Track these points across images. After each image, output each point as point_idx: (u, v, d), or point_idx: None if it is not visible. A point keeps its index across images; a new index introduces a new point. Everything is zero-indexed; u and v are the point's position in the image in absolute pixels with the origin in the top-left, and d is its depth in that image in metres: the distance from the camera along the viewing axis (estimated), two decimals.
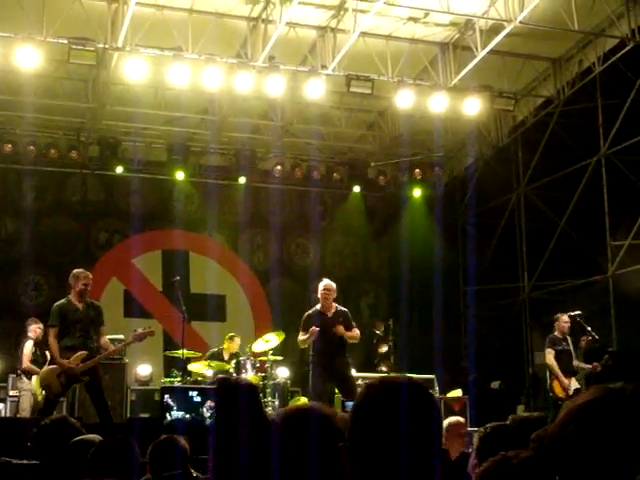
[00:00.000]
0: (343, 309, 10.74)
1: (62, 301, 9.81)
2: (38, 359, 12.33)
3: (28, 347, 12.34)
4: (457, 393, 13.90)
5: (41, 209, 16.31)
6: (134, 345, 10.87)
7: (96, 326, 9.81)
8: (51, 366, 9.70)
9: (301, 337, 10.34)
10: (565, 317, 11.96)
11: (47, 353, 11.97)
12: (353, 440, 2.06)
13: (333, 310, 10.56)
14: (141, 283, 16.58)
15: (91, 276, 10.05)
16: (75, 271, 9.97)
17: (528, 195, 16.28)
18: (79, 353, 9.43)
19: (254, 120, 16.28)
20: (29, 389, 12.17)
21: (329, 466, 2.12)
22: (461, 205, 17.69)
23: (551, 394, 11.81)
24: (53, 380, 9.45)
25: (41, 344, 12.34)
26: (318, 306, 10.60)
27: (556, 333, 11.93)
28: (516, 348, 14.20)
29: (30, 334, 12.44)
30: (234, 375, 12.32)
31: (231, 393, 2.07)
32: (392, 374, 13.95)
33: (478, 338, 15.87)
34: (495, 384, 15.71)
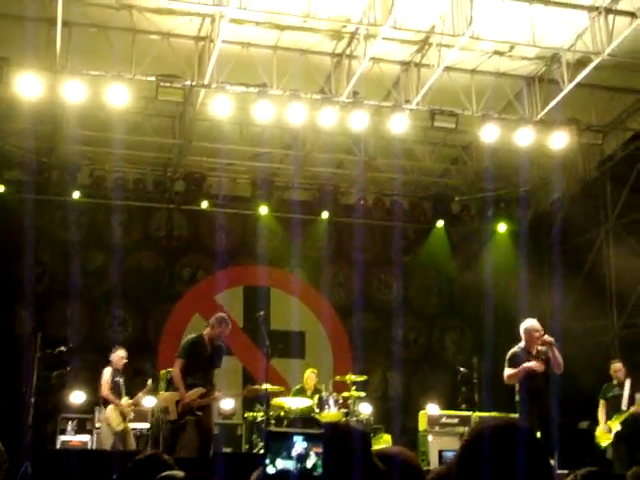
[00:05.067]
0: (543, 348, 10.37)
1: (195, 337, 10.36)
2: (118, 388, 12.35)
3: (106, 374, 12.31)
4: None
5: (128, 244, 16.60)
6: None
7: (215, 368, 10.40)
8: (172, 392, 10.23)
9: (510, 372, 10.13)
10: (616, 365, 12.05)
11: (120, 382, 12.06)
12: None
13: (537, 348, 10.31)
14: None
15: (231, 326, 10.64)
16: (219, 315, 10.61)
17: (617, 230, 15.88)
18: (198, 389, 10.00)
19: (338, 155, 16.32)
20: (105, 418, 12.22)
21: None
22: (547, 241, 17.33)
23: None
24: (171, 405, 10.00)
25: (121, 373, 12.41)
26: (522, 344, 10.32)
27: (613, 381, 12.09)
28: None
29: (112, 359, 12.51)
30: (317, 411, 12.27)
31: (342, 441, 2.01)
32: (478, 413, 13.71)
33: (565, 377, 15.46)
34: (584, 424, 15.24)
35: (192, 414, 10.00)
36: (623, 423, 11.64)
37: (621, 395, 11.77)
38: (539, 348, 10.23)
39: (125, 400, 12.26)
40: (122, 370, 12.42)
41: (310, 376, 13.54)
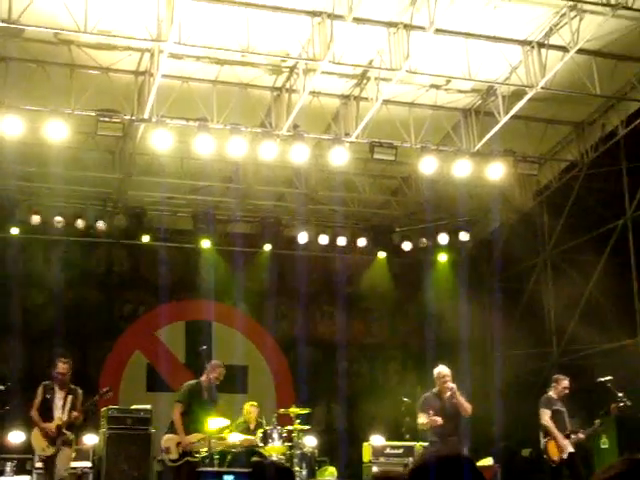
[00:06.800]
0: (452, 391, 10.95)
1: (193, 382, 10.99)
2: (49, 407, 10.71)
3: (38, 391, 10.85)
4: (487, 461, 13.62)
5: (67, 280, 16.38)
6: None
7: (213, 409, 10.92)
8: (174, 435, 10.80)
9: (423, 420, 10.75)
10: (566, 382, 11.66)
11: (56, 399, 10.69)
12: None
13: (448, 393, 10.91)
14: (164, 356, 16.56)
15: (224, 371, 11.15)
16: (214, 362, 11.16)
17: (554, 259, 16.17)
18: (197, 434, 10.67)
19: (279, 188, 16.38)
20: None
21: None
22: (487, 270, 17.60)
23: (545, 456, 11.41)
24: (172, 446, 10.75)
25: (61, 387, 10.79)
26: (435, 389, 11.01)
27: (551, 393, 11.63)
28: None
29: (52, 373, 10.95)
30: (261, 445, 12.21)
31: (266, 477, 2.06)
32: (422, 443, 13.73)
33: (507, 405, 15.64)
34: (526, 452, 15.39)
35: (192, 455, 10.67)
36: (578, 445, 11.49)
37: (564, 412, 11.62)
38: (449, 393, 10.85)
39: (56, 420, 10.59)
40: (62, 384, 10.78)
41: (251, 409, 13.47)
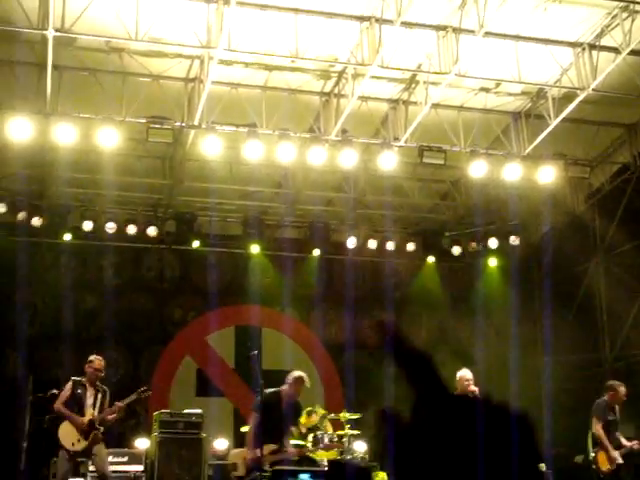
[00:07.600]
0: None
1: (272, 391, 10.20)
2: (79, 402, 10.59)
3: (66, 387, 10.77)
4: (540, 467, 13.47)
5: (119, 285, 16.54)
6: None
7: (290, 425, 10.42)
8: (244, 449, 10.26)
9: None
10: (623, 388, 11.33)
11: (87, 396, 10.60)
12: None
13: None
14: (214, 361, 16.61)
15: (308, 384, 10.42)
16: (297, 374, 10.42)
17: (607, 262, 15.96)
18: (268, 445, 9.82)
19: (328, 193, 16.41)
20: (58, 439, 10.61)
21: None
22: (538, 274, 17.41)
23: (594, 466, 11.09)
24: (239, 462, 10.19)
25: (94, 386, 10.73)
26: (456, 393, 10.97)
27: (607, 399, 11.27)
28: None
29: (85, 370, 10.84)
30: (312, 449, 12.20)
31: (342, 476, 2.06)
32: None
33: (559, 410, 15.46)
34: (579, 458, 15.16)
35: (261, 470, 9.68)
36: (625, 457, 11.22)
37: (617, 422, 11.37)
38: (470, 396, 10.73)
39: (87, 415, 10.49)
40: (94, 381, 10.69)
41: (313, 415, 13.32)
